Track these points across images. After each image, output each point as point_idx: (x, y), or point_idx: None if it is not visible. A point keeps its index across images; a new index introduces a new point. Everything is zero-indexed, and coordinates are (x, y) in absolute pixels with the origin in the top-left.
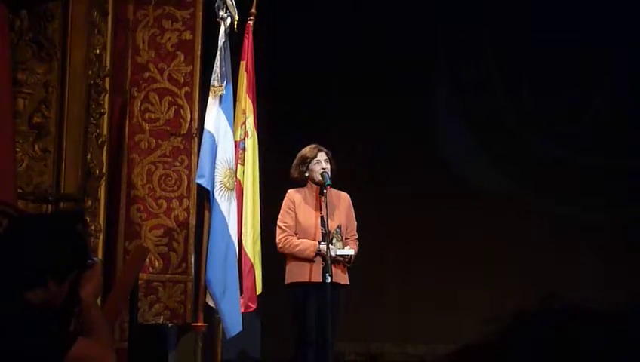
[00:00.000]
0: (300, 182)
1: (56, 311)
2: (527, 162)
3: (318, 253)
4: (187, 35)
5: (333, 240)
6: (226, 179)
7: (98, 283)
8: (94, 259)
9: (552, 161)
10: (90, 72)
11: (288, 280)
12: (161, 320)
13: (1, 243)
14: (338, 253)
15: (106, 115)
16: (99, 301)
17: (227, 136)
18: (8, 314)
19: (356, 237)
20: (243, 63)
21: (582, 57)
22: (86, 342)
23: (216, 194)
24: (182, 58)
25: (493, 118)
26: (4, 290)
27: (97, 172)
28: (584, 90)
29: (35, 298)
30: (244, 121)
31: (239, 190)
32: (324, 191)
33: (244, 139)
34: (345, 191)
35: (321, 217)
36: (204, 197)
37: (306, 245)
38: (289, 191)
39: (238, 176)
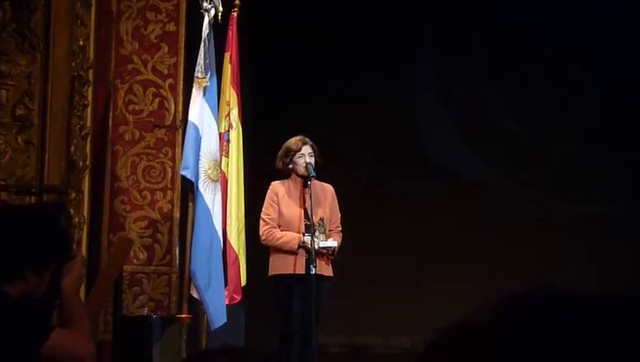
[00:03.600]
0: (284, 174)
1: (36, 302)
2: (514, 155)
3: (302, 245)
4: (171, 27)
5: (316, 233)
6: (210, 171)
7: (79, 274)
8: (75, 250)
9: (540, 153)
10: (73, 64)
11: (272, 272)
12: (145, 311)
13: None
14: (321, 245)
15: (89, 107)
16: (82, 292)
17: (211, 128)
18: None
19: (340, 229)
20: (227, 55)
21: (568, 53)
22: (63, 333)
23: (200, 185)
24: (166, 50)
25: (479, 112)
26: None
27: (81, 164)
28: (571, 85)
29: (14, 290)
30: (229, 113)
31: (223, 182)
32: (309, 183)
33: (229, 130)
34: (329, 184)
35: (305, 209)
36: (189, 189)
37: (289, 237)
38: (272, 183)
39: (222, 167)
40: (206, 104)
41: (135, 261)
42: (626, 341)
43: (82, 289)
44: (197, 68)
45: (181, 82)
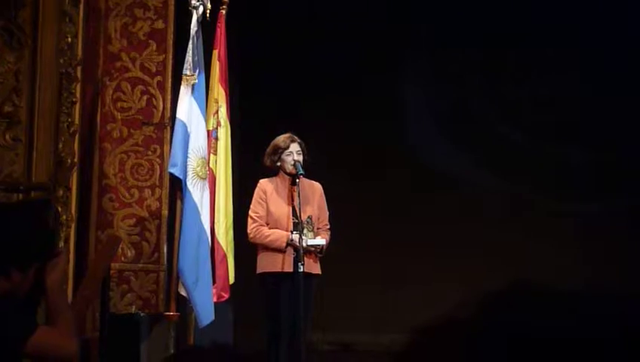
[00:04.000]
0: (272, 171)
1: (21, 300)
2: (497, 151)
3: (290, 243)
4: (159, 24)
5: (305, 231)
6: (198, 169)
7: (63, 271)
8: (59, 248)
9: (521, 149)
10: (61, 61)
11: (260, 270)
12: (133, 309)
13: None
14: (309, 244)
15: (77, 104)
16: (70, 290)
17: (199, 126)
18: None
19: (328, 227)
20: (215, 52)
21: (551, 49)
22: (47, 330)
23: (188, 183)
24: (154, 47)
25: (461, 109)
26: None
27: (69, 161)
28: (553, 81)
29: None
30: (217, 110)
31: (212, 179)
32: (297, 181)
33: (217, 128)
34: (318, 182)
35: (293, 207)
36: (177, 186)
37: (277, 235)
38: (261, 181)
39: (210, 165)
40: (194, 101)
41: (123, 258)
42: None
43: (70, 286)
44: (185, 65)
45: (169, 80)
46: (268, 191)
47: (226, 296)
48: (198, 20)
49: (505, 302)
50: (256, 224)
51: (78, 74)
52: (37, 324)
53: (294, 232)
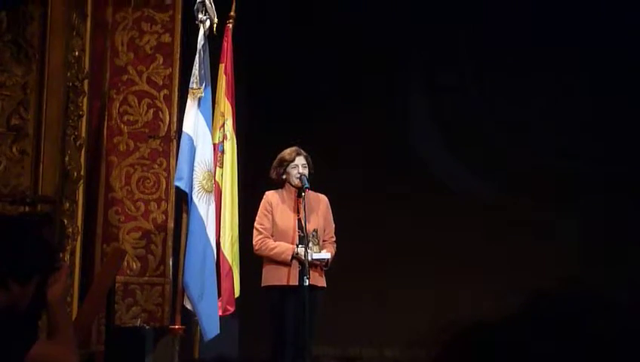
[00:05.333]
0: (278, 184)
1: (21, 313)
2: (502, 165)
3: (295, 256)
4: (166, 38)
5: (310, 244)
6: (204, 182)
7: (65, 285)
8: (61, 261)
9: (528, 164)
10: (68, 74)
11: (265, 283)
12: (138, 322)
13: None
14: (315, 258)
15: (84, 117)
16: (75, 302)
17: (206, 139)
18: None
19: (334, 239)
20: (222, 66)
21: (558, 60)
22: (46, 343)
23: (194, 196)
24: (161, 60)
25: (467, 120)
26: None
27: (75, 174)
28: (561, 94)
29: None
30: (223, 124)
31: (217, 192)
32: (302, 193)
33: (223, 141)
34: (323, 194)
35: (299, 220)
36: (183, 199)
37: (283, 248)
38: (267, 193)
39: (216, 178)
40: (200, 115)
41: (128, 271)
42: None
43: (75, 299)
44: (192, 79)
45: (176, 93)
46: (274, 203)
47: (232, 309)
48: (204, 34)
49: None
50: (262, 236)
51: (85, 87)
52: (37, 338)
53: (300, 246)
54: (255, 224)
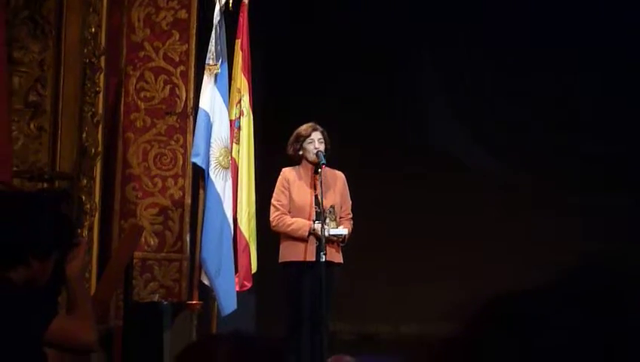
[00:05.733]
0: (295, 160)
1: (40, 289)
2: (519, 146)
3: (312, 232)
4: (182, 14)
5: (327, 220)
6: (221, 158)
7: (83, 260)
8: (79, 237)
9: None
10: (85, 51)
11: (282, 259)
12: (156, 298)
13: None
14: (331, 233)
15: (101, 94)
16: (93, 278)
17: (222, 115)
18: None
19: (350, 216)
20: (238, 42)
21: (568, 53)
22: (66, 319)
23: (211, 172)
24: (177, 37)
25: (481, 101)
26: None
27: (93, 150)
28: (572, 82)
29: (18, 276)
30: (240, 100)
31: (234, 169)
32: (319, 170)
33: (240, 117)
34: (340, 170)
35: (316, 196)
36: (199, 175)
37: (300, 224)
38: (283, 169)
39: (233, 154)
40: (217, 91)
41: (146, 247)
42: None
43: (94, 274)
44: (208, 55)
45: (192, 69)
46: (290, 179)
47: (249, 284)
48: (221, 10)
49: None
50: (279, 212)
51: (102, 64)
52: (57, 313)
53: (316, 221)
54: (272, 200)
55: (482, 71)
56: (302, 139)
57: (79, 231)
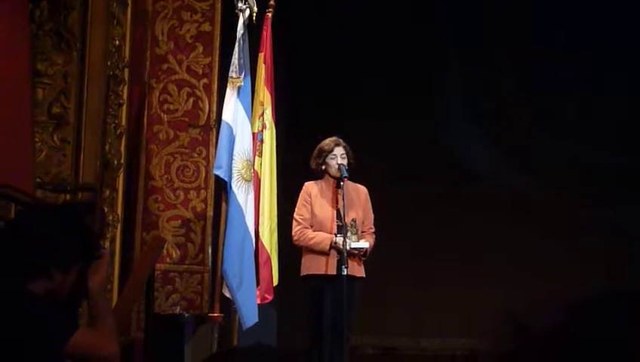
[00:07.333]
0: (318, 174)
1: (62, 301)
2: (539, 159)
3: (334, 246)
4: (206, 27)
5: (349, 233)
6: (243, 171)
7: (106, 273)
8: (103, 249)
9: (561, 156)
10: (109, 63)
11: (304, 272)
12: (177, 310)
13: (5, 233)
14: (353, 246)
15: (124, 106)
16: (115, 290)
17: (245, 128)
18: (10, 303)
19: (373, 230)
20: (261, 55)
21: (592, 55)
22: (87, 331)
23: (233, 185)
24: (201, 49)
25: (504, 116)
26: (6, 280)
27: (115, 162)
28: (594, 88)
29: (38, 288)
30: (262, 113)
31: (256, 181)
32: (341, 184)
33: (262, 130)
34: (362, 184)
35: (338, 210)
36: (222, 188)
37: (321, 238)
38: (306, 183)
39: (255, 167)
40: (240, 104)
41: (168, 259)
42: None
43: (115, 286)
44: (231, 68)
45: (215, 82)
46: (313, 193)
47: (270, 297)
48: (244, 23)
49: (551, 312)
50: (301, 226)
51: (126, 76)
52: (78, 325)
53: (338, 235)
54: (294, 215)
55: (513, 92)
56: (324, 154)
57: (101, 242)
